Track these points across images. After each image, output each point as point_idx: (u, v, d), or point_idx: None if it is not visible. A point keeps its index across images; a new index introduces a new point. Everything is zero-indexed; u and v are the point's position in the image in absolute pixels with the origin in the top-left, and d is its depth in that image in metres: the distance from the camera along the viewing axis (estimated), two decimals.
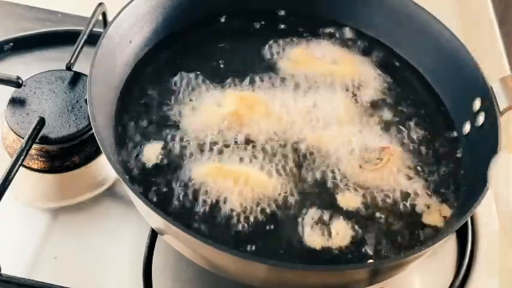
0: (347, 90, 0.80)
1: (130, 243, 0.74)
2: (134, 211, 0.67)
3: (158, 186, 0.68)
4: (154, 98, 0.77)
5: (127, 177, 0.67)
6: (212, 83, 0.79)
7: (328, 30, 0.88)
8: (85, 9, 0.91)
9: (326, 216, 0.67)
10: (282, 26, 0.88)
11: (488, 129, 0.71)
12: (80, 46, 0.85)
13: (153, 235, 0.70)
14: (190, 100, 0.76)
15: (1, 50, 0.92)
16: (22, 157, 0.72)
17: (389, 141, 0.75)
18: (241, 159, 0.71)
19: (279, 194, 0.68)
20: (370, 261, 0.64)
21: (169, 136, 0.72)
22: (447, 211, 0.70)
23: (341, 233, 0.66)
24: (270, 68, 0.82)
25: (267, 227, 0.66)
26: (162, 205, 0.66)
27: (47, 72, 0.84)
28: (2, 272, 0.67)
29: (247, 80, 0.79)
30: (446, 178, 0.73)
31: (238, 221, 0.66)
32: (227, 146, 0.72)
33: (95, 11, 0.89)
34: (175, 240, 0.63)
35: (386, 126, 0.77)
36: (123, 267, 0.72)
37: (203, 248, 0.58)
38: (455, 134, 0.77)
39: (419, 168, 0.73)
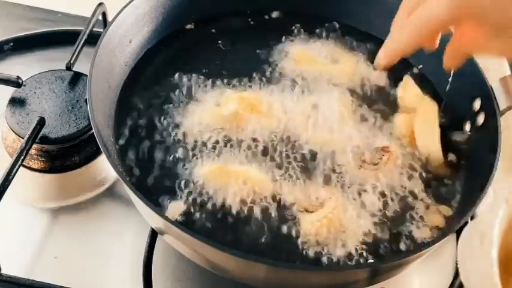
0: (347, 89, 0.80)
1: (130, 243, 0.74)
2: (134, 211, 0.67)
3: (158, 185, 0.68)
4: (154, 98, 0.77)
5: (127, 177, 0.67)
6: (212, 82, 0.79)
7: (328, 29, 0.88)
8: (85, 9, 0.92)
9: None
10: (282, 26, 0.88)
11: (488, 129, 0.71)
12: (80, 46, 0.85)
13: (153, 235, 0.70)
14: (190, 100, 0.76)
15: (1, 50, 0.92)
16: (22, 157, 0.72)
17: (389, 141, 0.75)
18: (241, 158, 0.71)
19: (280, 194, 0.68)
20: (370, 261, 0.64)
21: (169, 136, 0.72)
22: (447, 211, 0.70)
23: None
24: (270, 67, 0.82)
25: (268, 227, 0.66)
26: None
27: (47, 72, 0.84)
28: (2, 272, 0.67)
29: (247, 79, 0.79)
30: (446, 178, 0.73)
31: (239, 220, 0.66)
32: (227, 145, 0.72)
33: (95, 11, 0.89)
34: (175, 240, 0.63)
35: (386, 126, 0.77)
36: (123, 267, 0.72)
37: (203, 248, 0.58)
38: (455, 133, 0.77)
39: (419, 168, 0.73)
